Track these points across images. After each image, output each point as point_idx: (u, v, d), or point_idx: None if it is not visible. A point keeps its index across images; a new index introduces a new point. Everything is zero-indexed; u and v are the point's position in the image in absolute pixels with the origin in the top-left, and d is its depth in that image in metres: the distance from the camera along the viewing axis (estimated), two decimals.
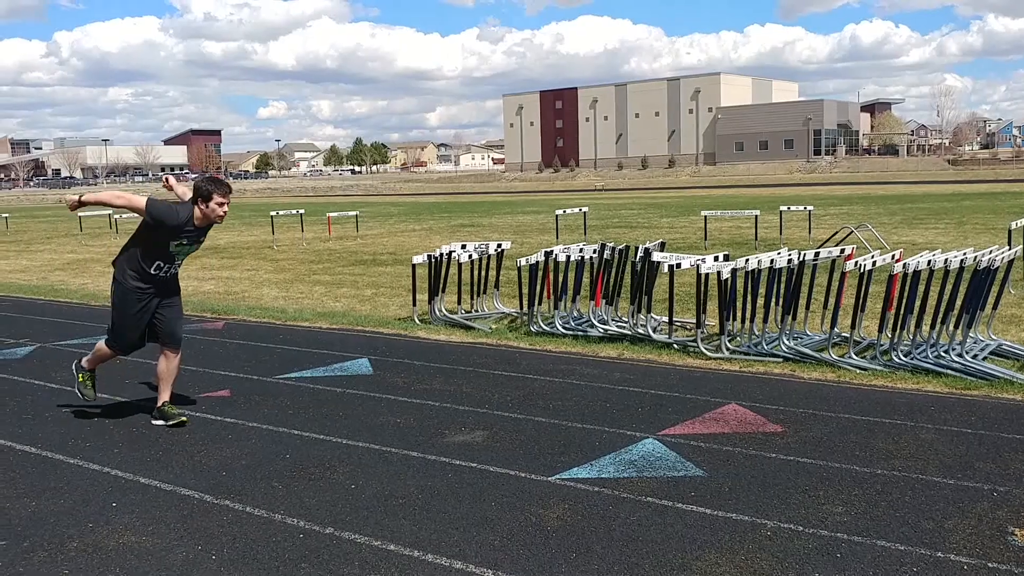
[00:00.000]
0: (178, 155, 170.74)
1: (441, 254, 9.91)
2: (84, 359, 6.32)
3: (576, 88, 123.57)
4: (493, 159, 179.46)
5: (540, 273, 9.16)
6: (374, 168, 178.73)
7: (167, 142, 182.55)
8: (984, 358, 7.20)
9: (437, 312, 9.86)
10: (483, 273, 10.23)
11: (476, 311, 10.20)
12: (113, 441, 5.81)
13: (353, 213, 28.13)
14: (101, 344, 6.18)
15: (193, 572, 3.86)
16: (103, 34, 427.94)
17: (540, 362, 7.83)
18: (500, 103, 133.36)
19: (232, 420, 6.22)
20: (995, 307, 7.82)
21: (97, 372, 6.45)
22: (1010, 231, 11.32)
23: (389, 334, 9.43)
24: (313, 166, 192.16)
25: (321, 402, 6.67)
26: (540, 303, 9.23)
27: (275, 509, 4.55)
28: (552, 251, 9.22)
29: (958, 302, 7.11)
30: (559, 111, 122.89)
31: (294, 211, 25.98)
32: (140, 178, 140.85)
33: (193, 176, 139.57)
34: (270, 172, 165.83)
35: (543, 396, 6.66)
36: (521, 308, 9.76)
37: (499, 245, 10.32)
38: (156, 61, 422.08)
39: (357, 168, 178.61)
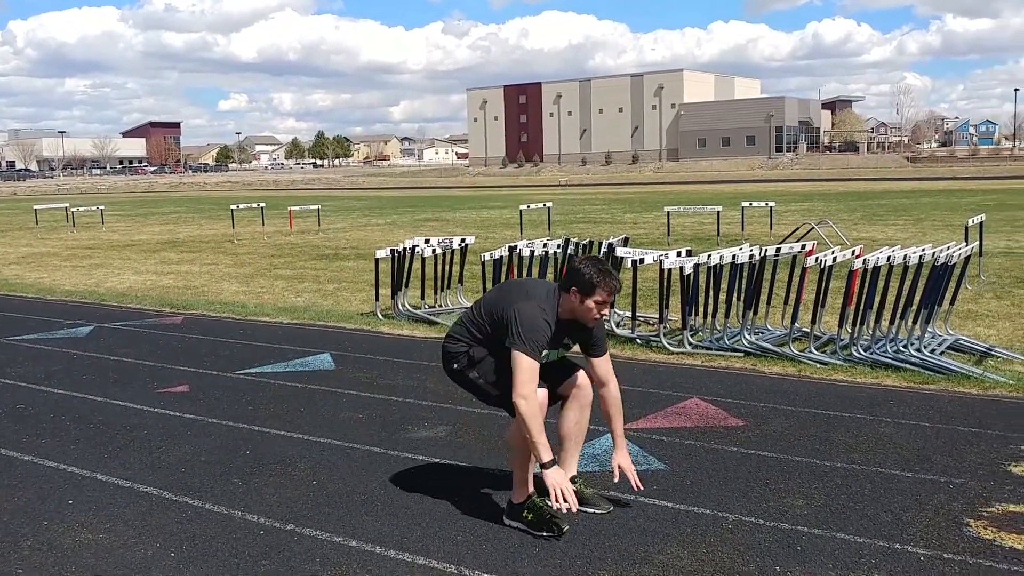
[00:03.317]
0: (137, 148, 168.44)
1: (404, 248, 9.86)
2: (512, 495, 4.28)
3: (540, 83, 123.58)
4: (457, 154, 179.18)
5: (504, 268, 9.14)
6: (336, 162, 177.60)
7: (126, 134, 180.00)
8: (942, 353, 7.30)
9: (400, 307, 9.81)
10: (447, 268, 10.19)
11: (440, 306, 10.16)
12: (70, 438, 5.71)
13: (315, 207, 27.95)
14: (512, 434, 4.18)
15: (151, 570, 3.80)
16: (60, 24, 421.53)
17: None
18: (464, 97, 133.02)
19: (191, 416, 6.15)
20: (952, 302, 7.93)
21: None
22: (967, 228, 11.50)
23: (351, 329, 9.37)
24: (274, 159, 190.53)
25: (282, 398, 6.61)
26: None
27: (235, 506, 4.50)
28: (516, 246, 9.21)
29: (916, 297, 7.21)
30: (523, 106, 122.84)
31: (255, 204, 25.76)
32: (98, 171, 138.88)
33: (153, 170, 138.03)
34: (230, 165, 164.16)
35: None
36: None
37: (463, 240, 10.30)
38: (115, 52, 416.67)
39: (319, 162, 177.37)
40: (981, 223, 12.06)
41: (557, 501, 3.86)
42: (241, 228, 24.82)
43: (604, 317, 4.24)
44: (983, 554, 3.76)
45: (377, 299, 10.12)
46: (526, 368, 3.95)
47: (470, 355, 4.23)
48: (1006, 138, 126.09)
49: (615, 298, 4.17)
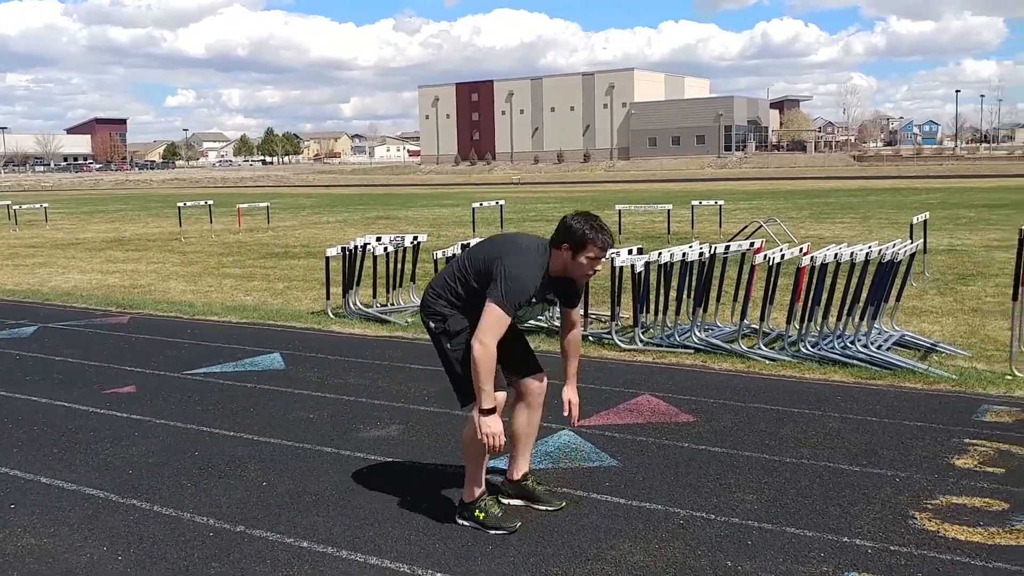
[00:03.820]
0: (82, 144, 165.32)
1: (356, 247, 9.79)
2: (463, 493, 4.23)
3: (492, 81, 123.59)
4: (409, 151, 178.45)
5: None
6: (286, 159, 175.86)
7: (70, 131, 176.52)
8: (888, 348, 7.43)
9: (351, 305, 9.75)
10: (399, 266, 10.15)
11: (392, 304, 10.11)
12: (12, 440, 5.58)
13: (264, 204, 27.65)
14: (467, 435, 4.08)
15: (98, 574, 3.73)
16: (0, 16, 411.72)
17: None
18: (416, 95, 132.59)
19: (138, 417, 6.05)
20: (898, 299, 8.07)
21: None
22: (912, 225, 11.72)
23: (302, 328, 9.29)
24: (223, 156, 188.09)
25: (231, 398, 6.53)
26: None
27: (183, 508, 4.43)
28: (469, 244, 9.19)
29: (863, 294, 7.32)
30: (475, 104, 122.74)
31: (202, 202, 25.41)
32: (41, 168, 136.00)
33: (98, 167, 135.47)
34: (177, 162, 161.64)
35: None
36: None
37: (415, 238, 10.25)
38: (58, 46, 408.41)
39: (268, 159, 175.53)
40: (925, 221, 12.30)
41: (486, 441, 3.87)
42: (189, 226, 24.48)
43: (597, 272, 4.14)
44: (928, 545, 3.84)
45: (328, 298, 10.04)
46: (496, 319, 3.87)
47: (447, 326, 4.11)
48: (948, 138, 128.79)
49: (607, 253, 4.09)
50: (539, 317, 4.26)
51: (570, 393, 4.46)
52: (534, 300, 4.06)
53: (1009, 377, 6.59)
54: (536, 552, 3.87)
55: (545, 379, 4.39)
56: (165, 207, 37.78)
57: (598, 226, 4.01)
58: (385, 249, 9.94)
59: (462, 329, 4.08)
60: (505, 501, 4.36)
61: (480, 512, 4.14)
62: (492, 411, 3.89)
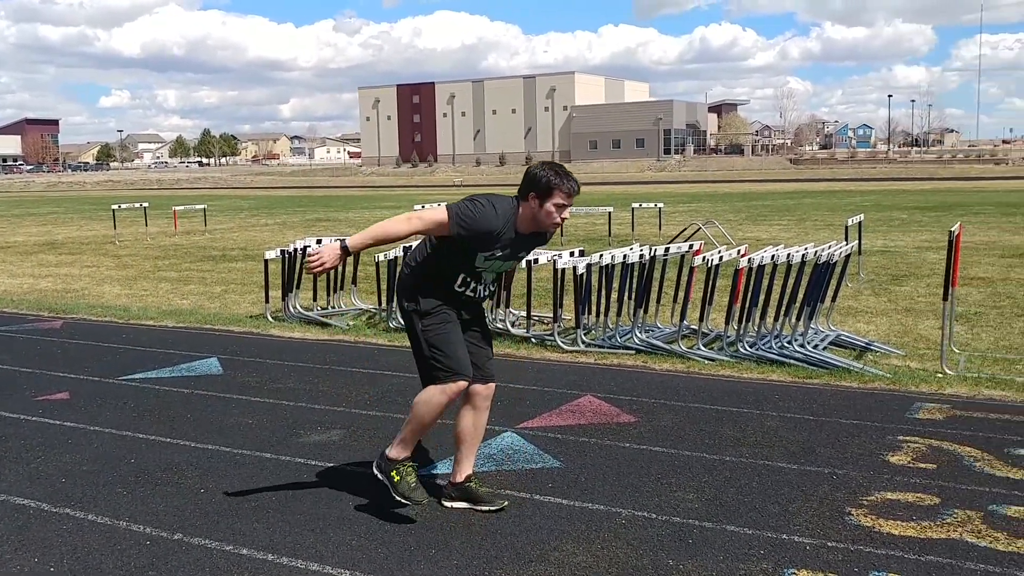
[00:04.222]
0: (11, 145, 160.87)
1: (295, 249, 9.69)
2: (391, 446, 4.29)
3: (434, 83, 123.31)
4: (349, 153, 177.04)
5: (398, 268, 9.07)
6: (223, 160, 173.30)
7: None
8: (824, 348, 7.57)
9: (291, 309, 9.64)
10: (340, 268, 10.06)
11: (332, 307, 10.02)
12: None
13: (201, 207, 27.23)
14: (421, 400, 4.17)
15: None
16: None
17: (399, 358, 7.76)
18: (356, 96, 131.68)
19: (72, 424, 5.90)
20: (834, 299, 8.22)
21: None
22: (847, 227, 11.95)
23: (240, 332, 9.16)
24: (158, 158, 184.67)
25: (168, 404, 6.41)
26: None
27: (119, 516, 4.33)
28: (411, 247, 9.15)
29: (799, 295, 7.45)
30: (416, 106, 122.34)
31: (137, 204, 24.91)
32: None
33: (29, 169, 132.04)
34: (112, 164, 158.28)
35: (402, 393, 6.60)
36: (380, 304, 9.66)
37: None
38: None
39: (205, 160, 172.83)
40: (860, 223, 12.56)
41: (309, 261, 3.91)
42: (123, 229, 23.99)
43: (565, 220, 4.11)
44: (864, 541, 3.91)
45: (267, 301, 9.92)
46: (433, 212, 3.95)
47: (419, 305, 4.13)
48: (882, 141, 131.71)
49: (573, 200, 4.06)
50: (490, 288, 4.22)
51: None
52: (491, 252, 4.02)
53: (940, 375, 6.76)
54: (479, 555, 3.86)
55: (494, 384, 4.39)
56: (99, 209, 36.98)
57: (563, 172, 4.01)
58: None
59: (434, 308, 4.11)
60: (448, 504, 4.34)
61: (396, 474, 4.18)
62: (348, 252, 3.96)
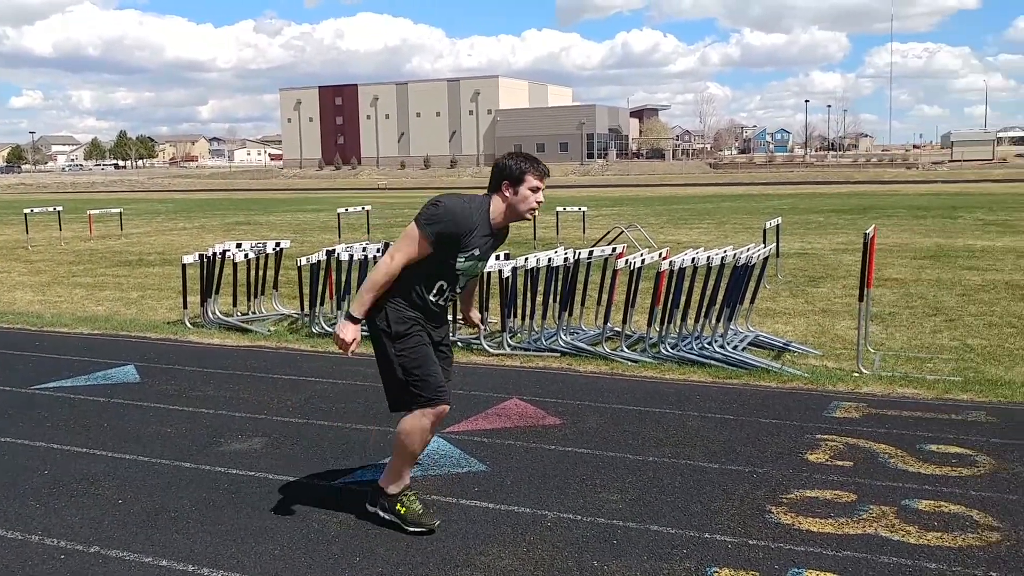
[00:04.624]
0: None
1: (214, 253, 9.51)
2: (385, 482, 4.21)
3: (357, 85, 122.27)
4: (270, 155, 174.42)
5: (322, 273, 8.98)
6: (140, 163, 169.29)
7: None
8: (743, 349, 7.71)
9: (210, 314, 9.45)
10: (260, 273, 9.91)
11: (253, 313, 9.86)
12: None
13: (117, 210, 26.55)
14: (405, 430, 4.05)
15: None
16: None
17: (322, 364, 7.68)
18: (277, 97, 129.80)
19: None
20: (752, 301, 8.39)
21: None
22: (765, 230, 12.20)
23: (157, 339, 8.95)
24: (72, 160, 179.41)
25: (83, 413, 6.23)
26: (322, 303, 9.05)
27: (32, 530, 4.19)
28: (334, 250, 9.06)
29: (719, 297, 7.58)
30: (339, 107, 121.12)
31: (51, 208, 24.16)
32: None
33: None
34: (23, 166, 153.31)
35: (325, 399, 6.52)
36: (302, 309, 9.54)
37: (277, 244, 10.04)
38: None
39: (121, 163, 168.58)
40: (777, 226, 12.83)
41: (335, 342, 3.98)
42: (36, 233, 23.25)
43: (542, 205, 4.10)
44: (784, 538, 4.00)
45: (185, 307, 9.71)
46: (407, 237, 3.90)
47: (389, 325, 4.00)
48: (799, 146, 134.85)
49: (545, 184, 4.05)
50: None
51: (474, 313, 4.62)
52: (469, 249, 3.95)
53: (856, 374, 6.94)
54: (405, 561, 3.83)
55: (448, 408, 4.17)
56: (10, 213, 35.79)
57: (531, 157, 4.04)
58: (246, 256, 9.69)
59: (408, 330, 4.01)
60: (372, 509, 4.27)
61: (402, 507, 4.12)
62: (358, 321, 3.97)
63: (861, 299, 7.16)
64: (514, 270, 8.00)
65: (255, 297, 9.95)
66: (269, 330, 9.17)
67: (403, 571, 3.75)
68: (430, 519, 4.13)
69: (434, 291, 4.04)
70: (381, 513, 4.19)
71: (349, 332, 3.95)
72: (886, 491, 4.52)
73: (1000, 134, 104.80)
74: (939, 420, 5.76)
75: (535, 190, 4.01)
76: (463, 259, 3.97)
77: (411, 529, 4.08)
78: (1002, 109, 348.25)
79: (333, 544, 4.02)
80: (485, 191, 4.08)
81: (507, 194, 3.99)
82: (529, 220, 4.17)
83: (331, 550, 3.96)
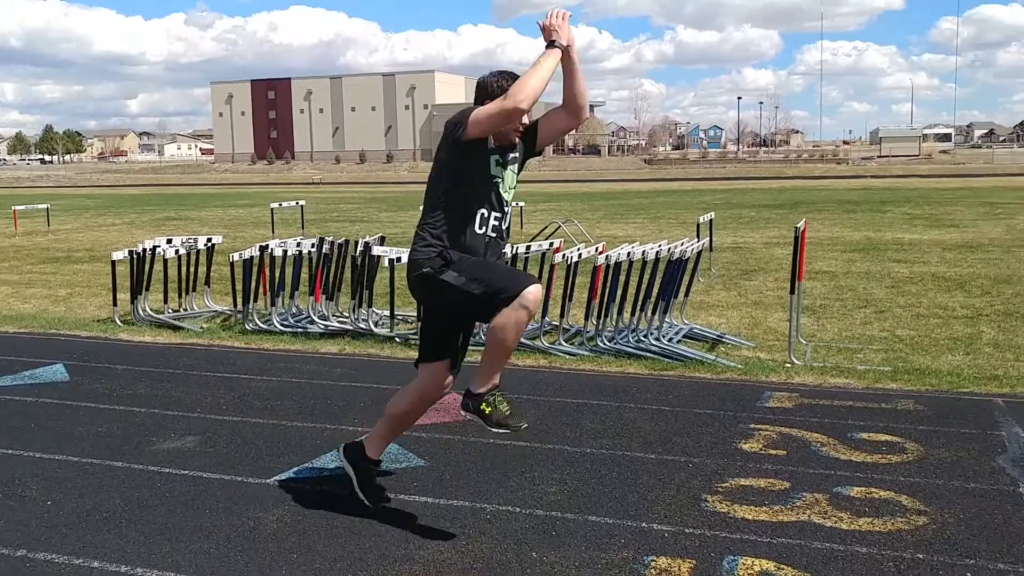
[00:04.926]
0: None
1: (144, 250, 9.31)
2: (476, 382, 3.99)
3: (290, 79, 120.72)
4: (202, 149, 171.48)
5: (255, 268, 8.85)
6: (67, 158, 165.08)
7: None
8: (678, 341, 7.81)
9: (141, 312, 9.26)
10: (192, 269, 9.73)
11: (185, 310, 9.69)
12: None
13: (43, 206, 25.87)
14: (498, 324, 3.79)
15: None
16: None
17: (257, 361, 7.58)
18: (209, 91, 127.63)
19: None
20: (687, 294, 8.49)
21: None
22: (699, 225, 12.36)
23: (87, 337, 8.74)
24: None
25: (10, 413, 6.05)
26: (256, 300, 8.93)
27: None
28: (268, 245, 8.95)
29: (655, 290, 7.66)
30: (272, 101, 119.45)
31: None
32: None
33: None
34: None
35: (260, 396, 6.44)
36: (235, 306, 9.40)
37: (209, 239, 9.87)
38: None
39: (47, 157, 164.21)
40: (711, 220, 13.01)
41: (550, 19, 3.81)
42: None
43: (526, 124, 3.97)
44: (719, 526, 4.06)
45: (115, 304, 9.50)
46: (484, 107, 3.78)
47: (445, 256, 3.84)
48: (731, 142, 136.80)
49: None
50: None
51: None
52: (498, 158, 3.89)
53: (788, 365, 7.07)
54: (343, 557, 3.81)
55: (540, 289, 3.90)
56: None
57: (511, 74, 3.93)
58: (177, 252, 9.51)
59: (450, 259, 3.85)
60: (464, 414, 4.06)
61: (487, 406, 3.90)
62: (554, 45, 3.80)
63: (793, 292, 7.30)
64: None
65: (187, 294, 9.77)
66: (201, 327, 9.02)
67: (341, 567, 3.72)
68: (517, 421, 3.89)
69: (478, 221, 3.89)
70: (465, 413, 3.98)
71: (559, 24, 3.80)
72: (818, 479, 4.62)
73: (926, 131, 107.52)
74: (869, 409, 5.90)
75: None
76: (494, 163, 3.87)
77: (493, 429, 3.89)
78: (928, 107, 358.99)
79: (270, 541, 3.97)
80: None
81: None
82: (515, 142, 4.01)
83: (267, 547, 3.91)
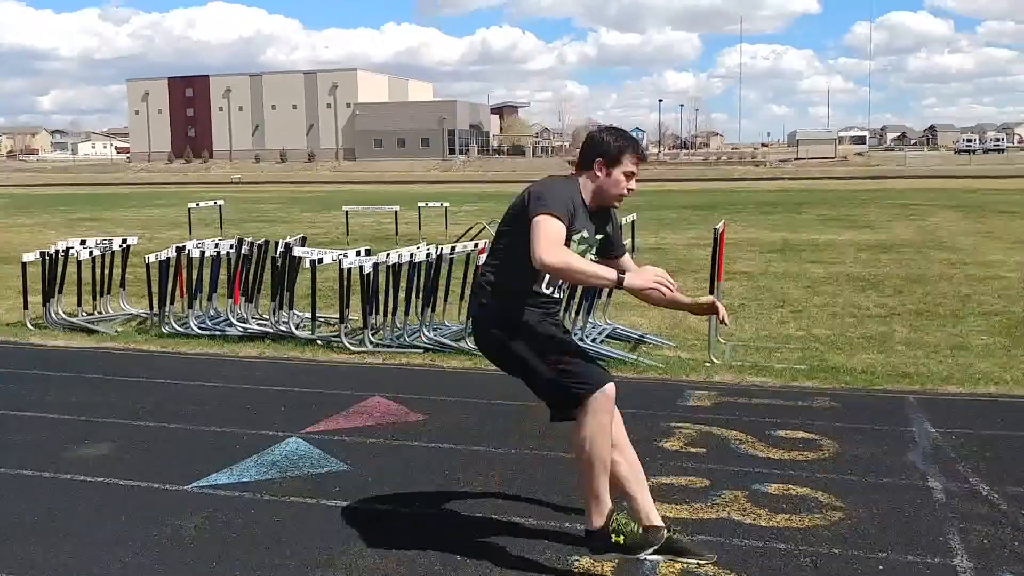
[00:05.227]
0: None
1: (57, 251, 9.04)
2: (589, 520, 3.57)
3: (208, 76, 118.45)
4: (117, 148, 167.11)
5: (172, 270, 8.66)
6: None
7: None
8: (601, 341, 7.88)
9: (53, 315, 8.99)
10: (107, 271, 9.48)
11: (100, 313, 9.42)
12: None
13: None
14: (578, 443, 3.47)
15: None
16: None
17: (174, 365, 7.41)
18: (124, 88, 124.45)
19: None
20: (610, 294, 8.57)
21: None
22: (620, 226, 12.48)
23: None
24: None
25: None
26: (173, 302, 8.73)
27: None
28: (185, 246, 8.76)
29: (578, 291, 7.71)
30: (190, 99, 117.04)
31: None
32: None
33: None
34: None
35: (178, 401, 6.30)
36: (151, 308, 9.17)
37: (124, 240, 9.62)
38: None
39: None
40: (633, 222, 13.15)
41: (659, 287, 3.36)
42: None
43: (632, 192, 3.62)
44: None
45: (26, 307, 9.19)
46: (548, 225, 3.31)
47: (510, 327, 3.53)
48: (653, 144, 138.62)
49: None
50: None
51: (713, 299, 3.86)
52: (577, 231, 3.49)
53: (708, 364, 7.19)
54: (263, 564, 3.74)
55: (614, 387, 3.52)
56: None
57: (630, 135, 3.61)
58: (91, 253, 9.25)
59: (531, 324, 3.53)
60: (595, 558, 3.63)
61: (618, 537, 3.48)
62: (621, 274, 3.40)
63: (712, 292, 7.42)
64: (375, 266, 7.92)
65: (101, 296, 9.51)
66: (116, 330, 8.79)
67: (262, 573, 3.66)
68: (655, 537, 3.50)
69: (545, 282, 3.58)
70: (598, 557, 3.57)
71: (648, 272, 3.41)
72: (738, 476, 4.70)
73: (841, 133, 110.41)
74: (786, 407, 6.03)
75: (630, 175, 3.57)
76: (575, 243, 3.50)
77: (644, 557, 3.51)
78: (843, 109, 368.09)
79: (188, 549, 3.88)
80: (573, 170, 3.65)
81: (598, 174, 3.55)
82: (617, 207, 3.73)
83: (186, 555, 3.83)
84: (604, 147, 3.55)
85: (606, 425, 3.41)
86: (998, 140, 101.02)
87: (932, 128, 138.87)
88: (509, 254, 3.57)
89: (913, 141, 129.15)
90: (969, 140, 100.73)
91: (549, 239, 3.31)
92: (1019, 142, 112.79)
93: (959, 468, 4.82)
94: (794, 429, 5.50)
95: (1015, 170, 62.31)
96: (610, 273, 3.40)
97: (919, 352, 7.65)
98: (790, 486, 4.57)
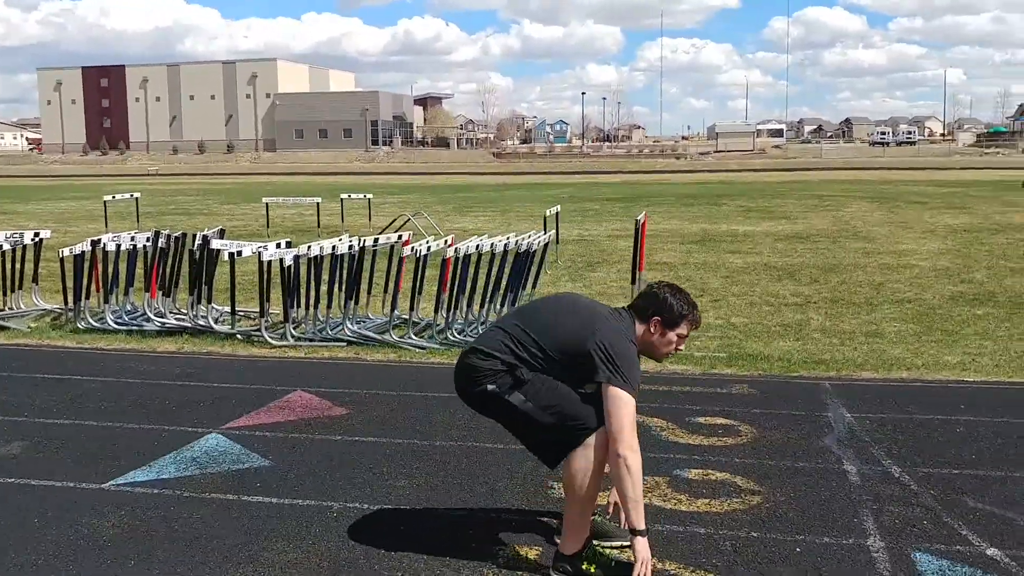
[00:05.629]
0: None
1: None
2: (563, 544, 3.58)
3: (124, 66, 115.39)
4: (28, 139, 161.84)
5: (87, 264, 8.43)
6: None
7: None
8: None
9: None
10: (18, 266, 9.18)
11: (11, 309, 9.13)
12: None
13: None
14: (569, 475, 3.49)
15: None
16: None
17: (90, 361, 7.22)
18: (35, 78, 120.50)
19: None
20: (534, 286, 8.61)
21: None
22: (545, 218, 12.55)
23: None
24: None
25: None
26: (88, 297, 8.50)
27: None
28: (100, 240, 8.53)
29: (504, 282, 7.74)
30: (105, 89, 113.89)
31: None
32: None
33: None
34: None
35: (94, 398, 6.14)
36: (66, 303, 8.92)
37: (36, 234, 9.33)
38: None
39: None
40: (557, 213, 13.25)
41: (643, 571, 3.35)
42: None
43: (678, 352, 3.72)
44: None
45: None
46: (630, 410, 3.37)
47: (516, 375, 3.50)
48: (577, 137, 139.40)
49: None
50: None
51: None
52: None
53: None
54: (184, 561, 3.68)
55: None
56: None
57: (692, 301, 3.67)
58: (0, 247, 8.95)
59: (535, 376, 3.50)
60: None
61: (588, 565, 3.52)
62: (647, 531, 3.42)
63: (634, 282, 7.51)
64: (296, 258, 7.82)
65: (12, 292, 9.21)
66: (29, 327, 8.53)
67: (183, 571, 3.60)
68: (624, 570, 3.46)
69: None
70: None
71: (647, 550, 3.40)
72: (659, 462, 4.78)
73: (759, 126, 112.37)
74: (706, 394, 6.14)
75: (682, 338, 3.65)
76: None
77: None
78: (761, 103, 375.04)
79: (105, 549, 3.80)
80: (628, 313, 3.64)
81: (652, 330, 3.60)
82: (658, 363, 3.95)
83: (103, 555, 3.74)
84: (667, 310, 3.59)
85: (601, 463, 3.47)
86: (910, 133, 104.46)
87: (847, 121, 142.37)
88: (552, 367, 3.52)
89: (829, 134, 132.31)
90: (883, 133, 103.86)
91: (628, 423, 3.38)
92: (929, 135, 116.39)
93: (873, 451, 4.97)
94: (714, 416, 5.61)
95: (926, 162, 64.46)
96: (642, 521, 3.42)
97: (834, 339, 7.86)
98: (710, 471, 4.66)
